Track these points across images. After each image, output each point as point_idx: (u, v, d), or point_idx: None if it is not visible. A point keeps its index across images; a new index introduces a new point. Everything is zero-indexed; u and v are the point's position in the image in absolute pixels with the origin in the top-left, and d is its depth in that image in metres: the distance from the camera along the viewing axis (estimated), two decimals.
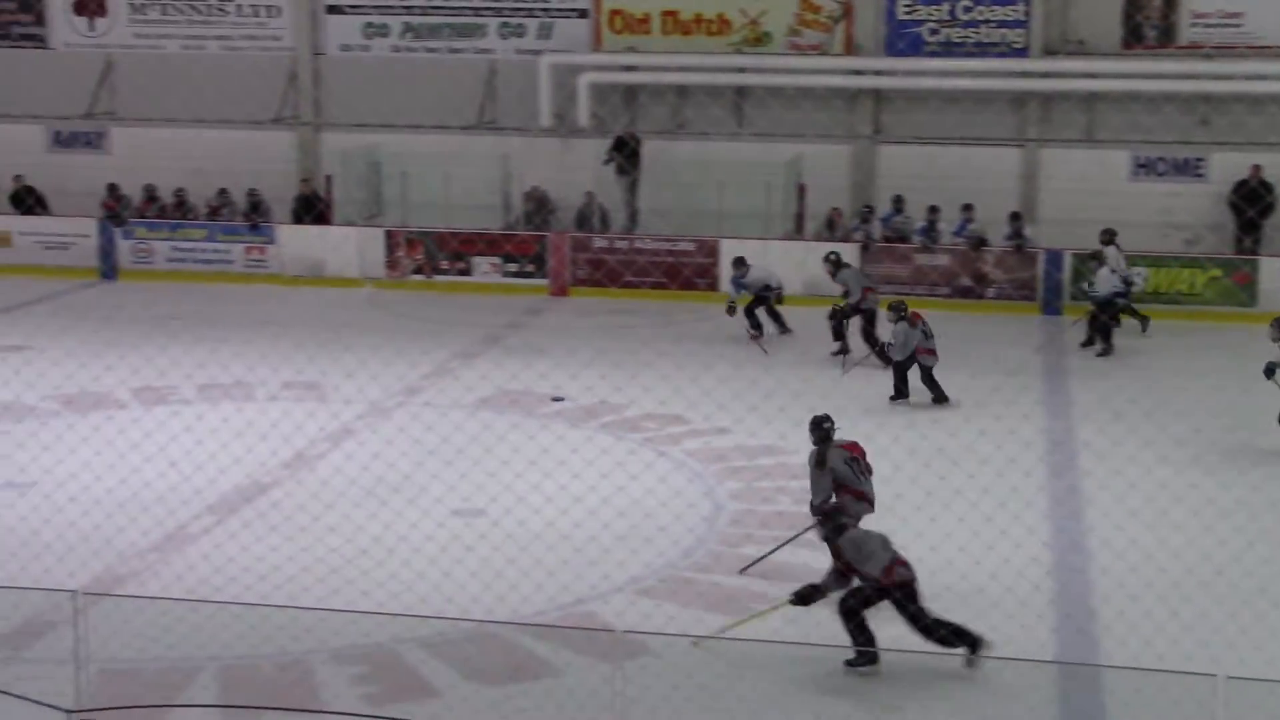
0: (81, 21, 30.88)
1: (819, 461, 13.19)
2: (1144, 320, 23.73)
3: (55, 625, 11.81)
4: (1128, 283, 23.50)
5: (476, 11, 29.49)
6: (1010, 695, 11.06)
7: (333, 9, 30.06)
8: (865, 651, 11.30)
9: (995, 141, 28.00)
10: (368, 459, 16.65)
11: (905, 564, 11.46)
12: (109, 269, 28.62)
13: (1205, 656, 11.19)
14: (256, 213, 29.08)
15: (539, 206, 28.78)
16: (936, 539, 13.92)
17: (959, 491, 15.06)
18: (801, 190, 28.11)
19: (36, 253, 28.98)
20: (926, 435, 17.44)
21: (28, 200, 29.70)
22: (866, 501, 13.24)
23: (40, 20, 31.09)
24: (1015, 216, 26.85)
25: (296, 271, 28.16)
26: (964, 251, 26.49)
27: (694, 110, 28.88)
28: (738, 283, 23.58)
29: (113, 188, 29.82)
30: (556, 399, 19.44)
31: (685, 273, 26.95)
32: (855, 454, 13.34)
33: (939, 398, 19.42)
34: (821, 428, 13.45)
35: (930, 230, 26.91)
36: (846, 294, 22.50)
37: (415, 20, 29.78)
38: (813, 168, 28.21)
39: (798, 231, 27.94)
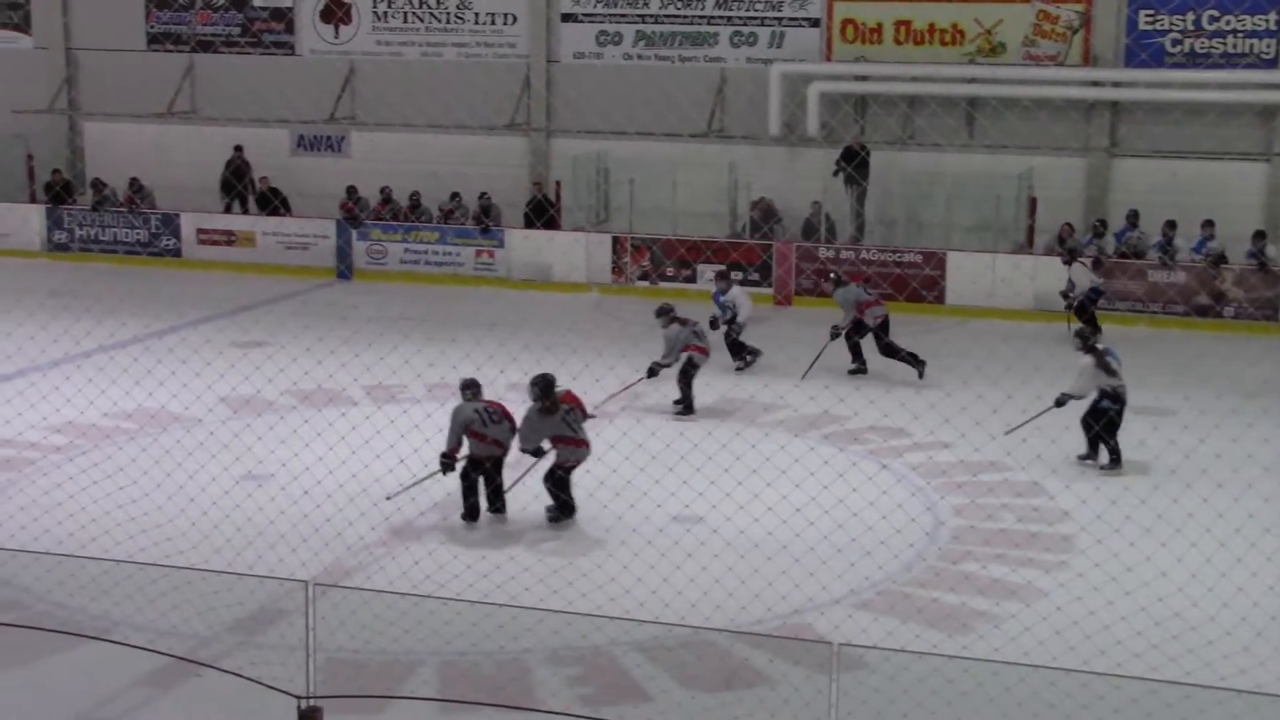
0: (328, 29, 31.73)
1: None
2: None
3: (287, 613, 12.15)
4: None
5: (709, 20, 29.58)
6: None
7: (567, 17, 30.40)
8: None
9: (1240, 156, 27.15)
10: (590, 463, 16.79)
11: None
12: (345, 269, 29.36)
13: None
14: (487, 216, 29.55)
15: (765, 215, 28.75)
16: (1167, 564, 13.61)
17: (1191, 515, 14.65)
18: (1033, 203, 27.63)
19: (278, 253, 29.88)
20: (1159, 456, 17.01)
21: (273, 201, 30.61)
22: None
23: (290, 28, 32.04)
24: (1259, 235, 26.04)
25: (524, 275, 28.57)
26: (1202, 269, 25.81)
27: (925, 121, 28.55)
28: (717, 299, 22.96)
29: (351, 190, 30.51)
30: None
31: (912, 285, 26.63)
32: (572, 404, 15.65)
33: (682, 402, 19.96)
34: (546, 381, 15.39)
35: (1167, 246, 26.25)
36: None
37: (648, 28, 29.98)
38: (1045, 181, 27.73)
39: (1028, 245, 27.46)
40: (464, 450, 15.29)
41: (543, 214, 29.42)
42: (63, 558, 13.16)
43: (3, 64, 33.64)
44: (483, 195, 29.85)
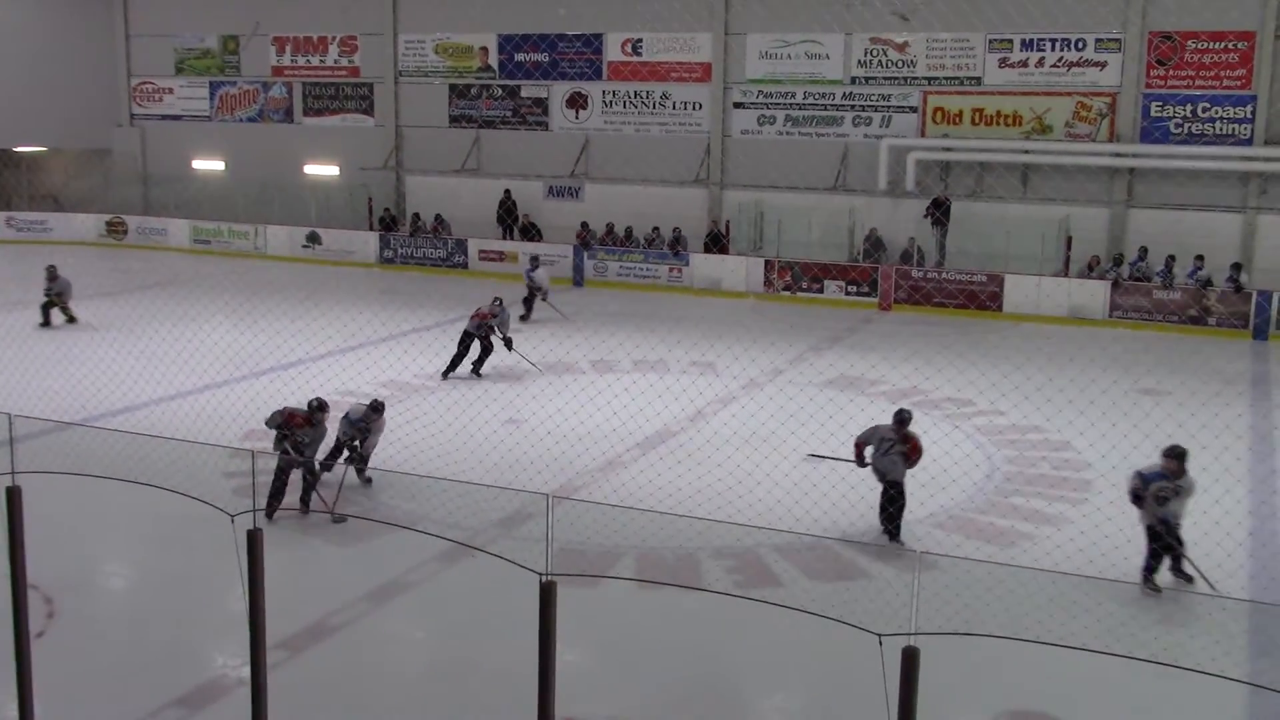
0: (570, 113, 31.99)
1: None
2: None
3: (533, 516, 12.34)
4: None
5: (837, 108, 29.22)
6: (1213, 626, 10.34)
7: (738, 104, 30.26)
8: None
9: (1222, 209, 26.08)
10: (746, 418, 16.77)
11: None
12: (579, 278, 29.63)
13: None
14: (678, 244, 29.59)
15: (874, 246, 28.35)
16: None
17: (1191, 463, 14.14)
18: (1069, 241, 26.82)
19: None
20: (1160, 425, 16.44)
21: (532, 232, 31.06)
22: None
23: (545, 111, 32.35)
24: (1236, 266, 25.05)
25: (702, 286, 28.54)
26: (1194, 290, 24.86)
27: (991, 179, 27.91)
28: (528, 274, 24.25)
29: (584, 224, 30.82)
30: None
31: (980, 297, 26.11)
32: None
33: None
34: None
35: (1168, 273, 25.33)
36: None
37: (794, 113, 29.70)
38: (1078, 225, 26.90)
39: (1065, 271, 26.70)
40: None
41: (717, 243, 29.41)
42: (385, 472, 13.54)
43: (354, 136, 34.59)
44: (675, 229, 29.91)
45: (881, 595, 10.79)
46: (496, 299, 19.75)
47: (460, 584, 11.23)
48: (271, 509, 12.36)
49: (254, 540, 6.86)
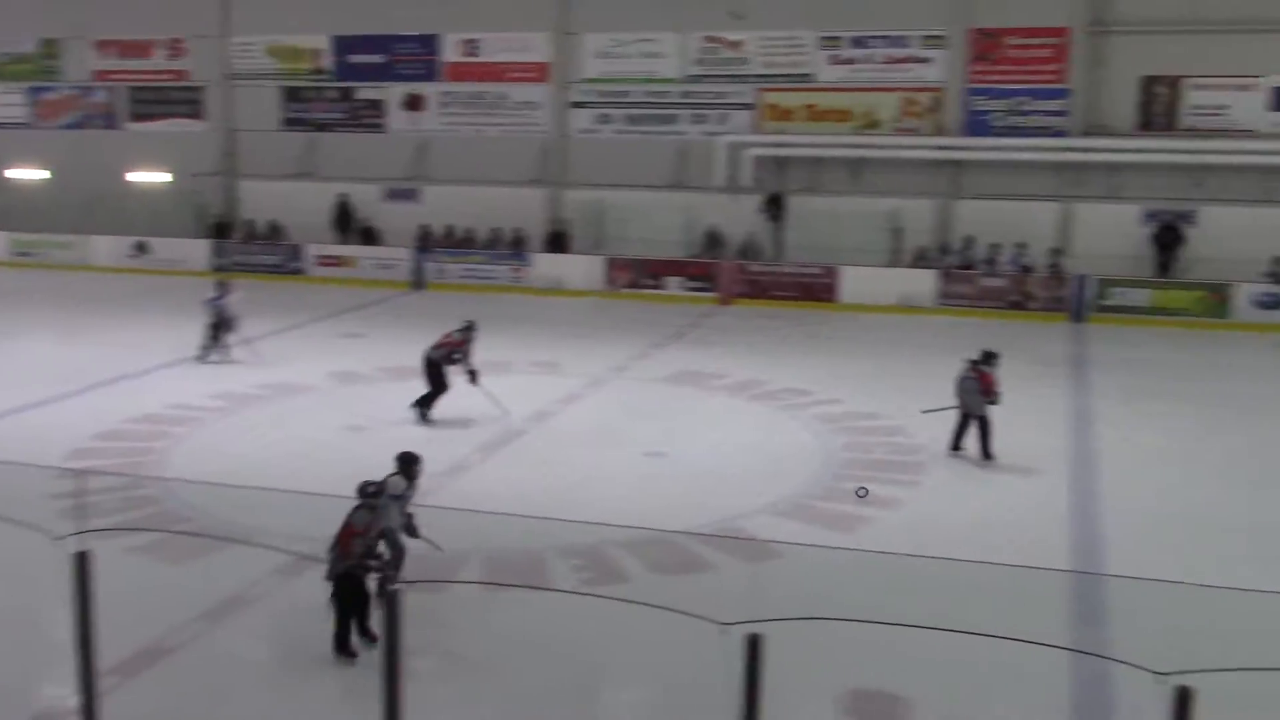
0: (407, 115, 31.58)
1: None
2: None
3: None
4: None
5: (674, 106, 29.50)
6: (1034, 597, 10.77)
7: (576, 104, 30.31)
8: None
9: (1041, 198, 27.18)
10: (588, 416, 16.79)
11: None
12: (419, 282, 29.26)
13: (1181, 569, 10.80)
14: (519, 244, 29.51)
15: (712, 242, 28.73)
16: (988, 478, 13.66)
17: (1007, 445, 14.70)
18: (899, 232, 27.62)
19: (372, 270, 29.81)
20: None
21: (367, 235, 30.59)
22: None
23: (381, 114, 31.86)
24: (1054, 252, 26.18)
25: (544, 285, 28.50)
26: (1016, 276, 25.86)
27: (824, 174, 28.57)
28: (214, 303, 20.28)
29: (423, 227, 30.47)
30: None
31: (816, 289, 26.72)
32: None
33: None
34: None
35: (991, 261, 26.32)
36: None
37: (632, 112, 29.89)
38: (907, 216, 27.73)
39: (895, 261, 27.48)
40: None
41: (558, 242, 29.42)
42: (220, 485, 13.16)
43: (185, 141, 33.47)
44: (516, 230, 29.80)
45: (725, 586, 10.93)
46: (467, 321, 17.13)
47: (304, 598, 10.96)
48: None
49: (82, 562, 6.61)
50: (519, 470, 14.32)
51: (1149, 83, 26.53)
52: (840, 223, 27.54)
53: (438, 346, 16.85)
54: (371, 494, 9.86)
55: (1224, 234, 25.74)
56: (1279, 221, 25.47)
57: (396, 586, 10.39)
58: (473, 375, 16.63)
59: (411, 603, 6.43)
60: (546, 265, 28.82)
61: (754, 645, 7.07)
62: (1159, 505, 13.00)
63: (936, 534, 12.27)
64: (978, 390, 14.70)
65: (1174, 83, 26.37)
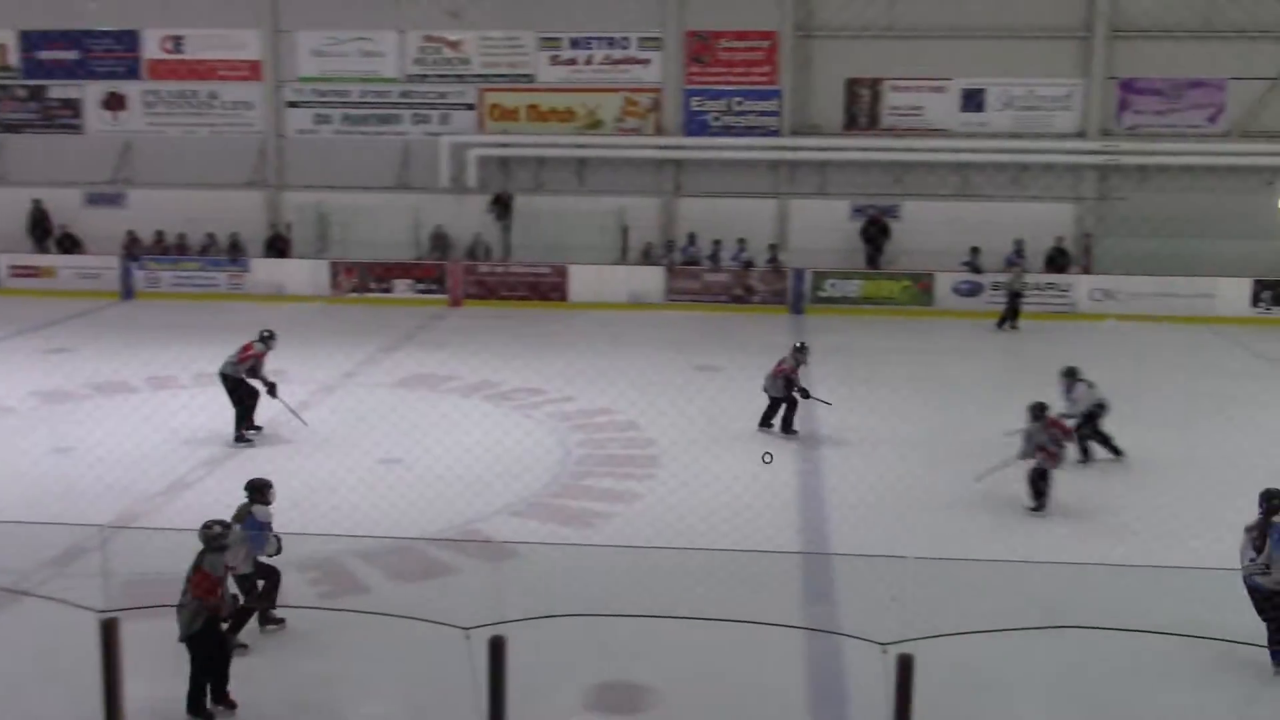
0: (107, 114, 29.76)
1: None
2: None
3: (89, 550, 11.38)
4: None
5: (395, 105, 29.00)
6: (768, 579, 11.15)
7: (292, 104, 29.34)
8: None
9: (758, 195, 28.22)
10: (318, 425, 16.31)
11: None
12: (127, 291, 27.62)
13: (899, 544, 11.42)
14: (236, 249, 28.36)
15: (439, 243, 28.45)
16: (720, 470, 14.05)
17: (736, 437, 15.18)
18: (625, 230, 28.09)
19: (74, 281, 27.90)
20: (714, 399, 17.51)
21: (67, 243, 28.70)
22: None
23: (78, 114, 29.90)
24: (773, 247, 27.25)
25: (265, 291, 27.45)
26: (738, 271, 26.75)
27: (549, 174, 28.74)
28: None
29: (130, 233, 28.80)
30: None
31: (543, 288, 26.85)
32: None
33: None
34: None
35: (715, 257, 27.14)
36: None
37: (350, 112, 29.19)
38: (633, 214, 28.21)
39: (623, 259, 27.93)
40: None
41: (278, 246, 28.45)
42: None
43: None
44: (232, 234, 28.60)
45: (467, 589, 10.84)
46: (266, 331, 16.33)
47: (12, 631, 10.19)
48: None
49: None
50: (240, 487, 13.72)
51: (852, 85, 27.95)
52: (567, 222, 27.77)
53: (240, 361, 15.93)
54: (218, 535, 9.10)
55: (925, 227, 27.42)
56: (974, 215, 27.33)
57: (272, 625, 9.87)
58: (271, 388, 15.92)
59: (136, 631, 6.03)
60: (267, 271, 27.78)
61: (497, 648, 7.03)
62: (876, 483, 13.69)
63: (673, 525, 12.54)
64: (783, 379, 15.97)
65: (875, 85, 27.90)
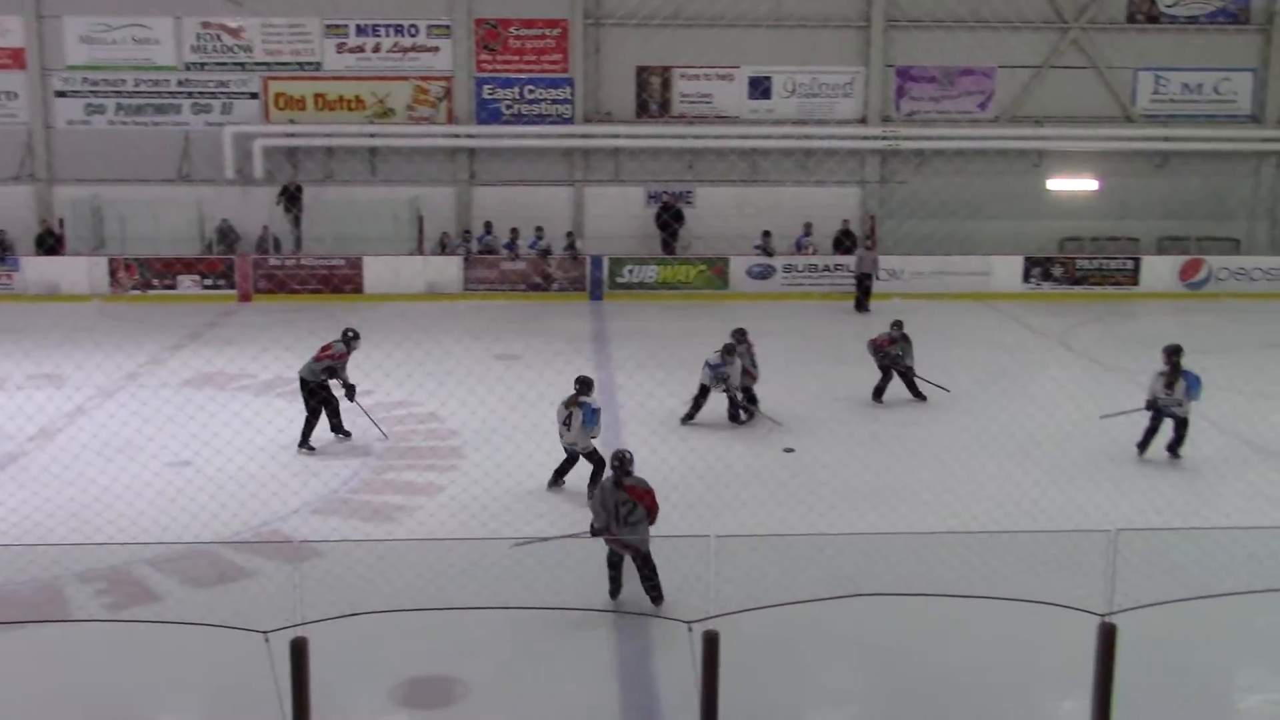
0: None
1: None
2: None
3: None
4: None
5: (173, 94, 27.80)
6: (576, 564, 11.15)
7: (60, 94, 27.79)
8: None
9: (553, 182, 28.24)
10: (97, 429, 15.52)
11: None
12: None
13: (703, 523, 11.61)
14: (4, 247, 26.68)
15: (224, 236, 27.46)
16: (525, 459, 14.00)
17: (540, 420, 15.12)
18: (420, 220, 27.68)
19: None
20: (513, 387, 17.40)
21: None
22: None
23: None
24: (570, 234, 27.30)
25: (37, 291, 25.96)
26: (536, 259, 26.70)
27: (339, 164, 28.08)
28: None
29: None
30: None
31: (337, 280, 26.23)
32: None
33: None
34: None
35: (512, 245, 27.01)
36: None
37: (125, 102, 27.84)
38: (427, 204, 27.82)
39: (419, 249, 27.52)
40: None
41: (50, 243, 26.92)
42: None
43: None
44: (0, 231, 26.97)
45: (265, 592, 10.49)
46: (350, 331, 15.58)
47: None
48: None
49: None
50: (21, 494, 12.96)
51: (642, 72, 28.23)
52: (360, 212, 27.20)
53: (318, 360, 15.15)
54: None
55: (718, 212, 27.96)
56: (764, 199, 28.01)
57: None
58: (350, 390, 15.22)
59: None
60: (38, 269, 26.26)
61: (298, 649, 6.85)
62: (678, 464, 13.88)
63: (478, 514, 12.43)
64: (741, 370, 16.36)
65: (665, 73, 28.23)
